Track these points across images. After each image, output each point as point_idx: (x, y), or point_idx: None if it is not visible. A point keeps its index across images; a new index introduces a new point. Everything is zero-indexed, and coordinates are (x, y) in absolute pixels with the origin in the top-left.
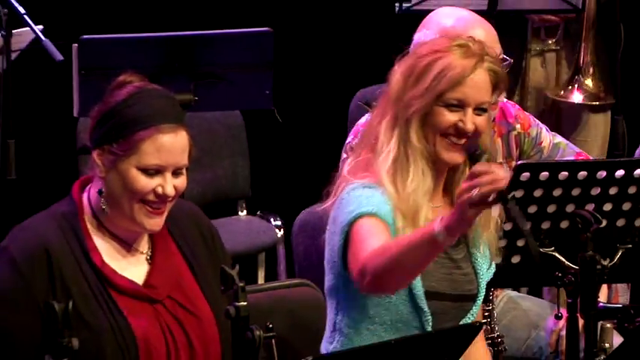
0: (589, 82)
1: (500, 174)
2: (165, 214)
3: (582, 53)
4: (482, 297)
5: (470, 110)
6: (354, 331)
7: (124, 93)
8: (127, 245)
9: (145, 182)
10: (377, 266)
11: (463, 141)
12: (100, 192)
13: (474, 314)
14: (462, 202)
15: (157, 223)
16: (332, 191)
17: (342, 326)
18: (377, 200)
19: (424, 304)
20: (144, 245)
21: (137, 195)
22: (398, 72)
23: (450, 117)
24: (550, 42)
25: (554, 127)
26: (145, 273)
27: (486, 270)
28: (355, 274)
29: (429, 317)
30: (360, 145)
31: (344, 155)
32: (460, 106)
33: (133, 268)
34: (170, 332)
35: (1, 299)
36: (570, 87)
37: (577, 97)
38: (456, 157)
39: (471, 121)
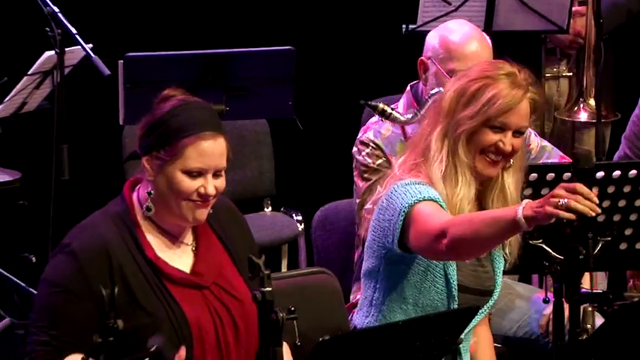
0: (592, 102)
1: (593, 200)
2: (210, 207)
3: (585, 77)
4: (498, 292)
5: (510, 133)
6: (388, 308)
7: (169, 105)
8: (174, 238)
9: (189, 184)
10: (458, 231)
11: (500, 158)
12: (149, 193)
13: (489, 307)
14: (552, 203)
15: (202, 214)
16: (379, 185)
17: (378, 303)
18: (433, 193)
19: (456, 295)
20: (189, 238)
21: (182, 195)
22: (451, 90)
23: (492, 137)
24: (563, 67)
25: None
26: (192, 263)
27: (502, 268)
28: (429, 238)
29: (457, 307)
30: (410, 149)
31: (355, 149)
32: (502, 128)
33: (181, 259)
34: (217, 315)
35: (65, 291)
36: (576, 108)
37: (583, 116)
38: (492, 172)
39: (509, 142)
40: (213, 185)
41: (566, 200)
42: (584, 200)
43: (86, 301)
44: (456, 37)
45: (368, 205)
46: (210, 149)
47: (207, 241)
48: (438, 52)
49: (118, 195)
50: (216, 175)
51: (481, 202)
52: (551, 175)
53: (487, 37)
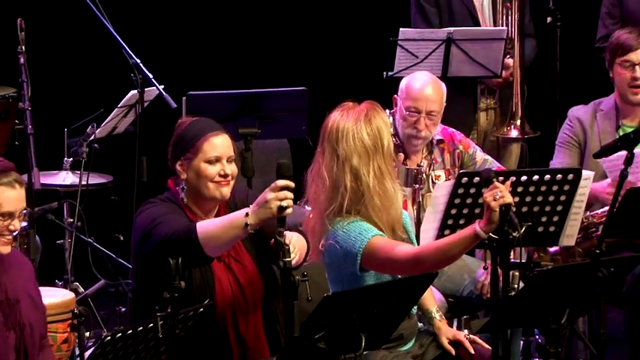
0: (519, 122)
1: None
2: (231, 186)
3: (514, 105)
4: None
5: None
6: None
7: (184, 126)
8: (202, 218)
9: (211, 169)
10: (432, 258)
11: None
12: (182, 188)
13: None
14: (490, 211)
15: (226, 191)
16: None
17: None
18: (371, 229)
19: None
20: (212, 217)
21: (209, 178)
22: None
23: None
24: (491, 101)
25: (496, 157)
26: None
27: None
28: (404, 263)
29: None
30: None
31: None
32: None
33: None
34: (232, 274)
35: (161, 213)
36: (507, 128)
37: (514, 134)
38: None
39: None
40: (229, 168)
41: (499, 194)
42: (500, 193)
43: (180, 216)
44: (416, 84)
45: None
46: (220, 142)
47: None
48: (402, 92)
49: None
50: (229, 161)
51: None
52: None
53: (442, 85)
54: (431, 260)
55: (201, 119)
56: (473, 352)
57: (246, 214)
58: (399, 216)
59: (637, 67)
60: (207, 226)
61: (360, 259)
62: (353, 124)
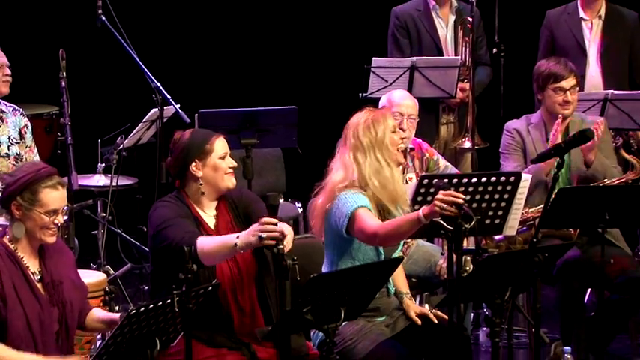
0: (470, 135)
1: (459, 196)
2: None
3: (468, 120)
4: (401, 246)
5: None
6: (343, 263)
7: (185, 138)
8: (205, 212)
9: (224, 163)
10: (386, 233)
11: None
12: (200, 184)
13: (400, 250)
14: (438, 205)
15: (234, 181)
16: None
17: (338, 264)
18: (364, 201)
19: (382, 250)
20: (212, 211)
21: (223, 171)
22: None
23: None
24: (451, 117)
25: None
26: (214, 223)
27: None
28: (367, 235)
29: (383, 256)
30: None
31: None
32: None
33: (209, 221)
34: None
35: (171, 216)
36: (463, 139)
37: (467, 145)
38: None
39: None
40: (232, 162)
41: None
42: (450, 198)
43: (187, 218)
44: (398, 95)
45: (320, 200)
46: (223, 142)
47: (221, 212)
48: (386, 103)
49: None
50: (230, 156)
51: None
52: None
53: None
54: (387, 233)
55: (197, 129)
56: (436, 321)
57: (237, 237)
58: (399, 193)
59: (568, 92)
60: (204, 243)
61: (346, 221)
62: (361, 123)
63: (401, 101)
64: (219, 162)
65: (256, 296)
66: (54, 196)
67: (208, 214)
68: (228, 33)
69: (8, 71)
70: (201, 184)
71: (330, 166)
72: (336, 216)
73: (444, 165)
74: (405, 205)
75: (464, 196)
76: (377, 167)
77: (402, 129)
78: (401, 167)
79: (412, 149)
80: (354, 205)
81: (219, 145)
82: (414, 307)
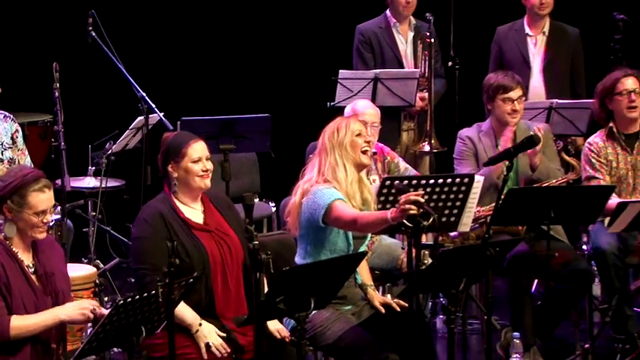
0: (428, 140)
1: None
2: (209, 178)
3: (427, 127)
4: (369, 239)
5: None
6: (317, 255)
7: (169, 139)
8: (190, 207)
9: (197, 167)
10: (363, 221)
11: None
12: (175, 184)
13: (366, 245)
14: (402, 208)
15: (208, 182)
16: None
17: (312, 254)
18: (338, 194)
19: (352, 242)
20: (199, 207)
21: (195, 173)
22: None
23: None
24: (411, 124)
25: (414, 166)
26: (202, 218)
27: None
28: (346, 221)
29: (352, 248)
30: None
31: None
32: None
33: (196, 217)
34: (219, 246)
35: (148, 239)
36: (422, 144)
37: (427, 148)
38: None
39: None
40: (208, 165)
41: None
42: (413, 198)
43: (157, 242)
44: (361, 105)
45: (294, 198)
46: (200, 146)
47: (208, 209)
48: (351, 112)
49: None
50: (207, 159)
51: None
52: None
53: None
54: (364, 222)
55: (182, 132)
56: (399, 309)
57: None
58: (350, 195)
59: (515, 102)
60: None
61: (323, 212)
62: (330, 127)
63: (364, 110)
64: (192, 165)
65: (242, 280)
66: (41, 199)
67: (196, 209)
68: (209, 48)
69: None
70: (175, 184)
71: (304, 169)
72: (312, 208)
73: (404, 167)
74: (357, 205)
75: (422, 195)
76: (334, 167)
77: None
78: (365, 170)
79: (375, 153)
80: (331, 197)
81: (194, 149)
82: (377, 297)
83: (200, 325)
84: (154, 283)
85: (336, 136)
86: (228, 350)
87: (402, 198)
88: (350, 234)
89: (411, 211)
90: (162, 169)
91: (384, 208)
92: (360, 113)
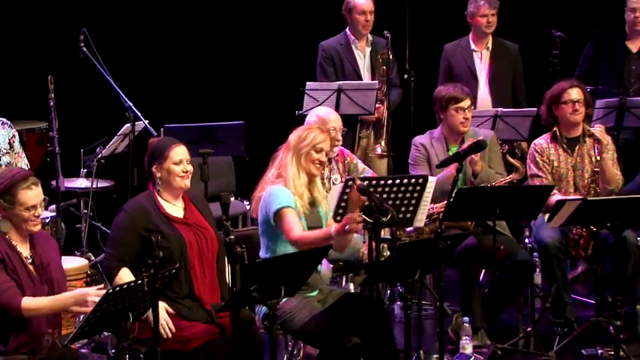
0: (384, 144)
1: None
2: (189, 179)
3: (384, 133)
4: None
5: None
6: (276, 250)
7: (154, 143)
8: (172, 204)
9: (178, 168)
10: (304, 243)
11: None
12: (158, 183)
13: None
14: (348, 228)
15: (188, 183)
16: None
17: (273, 249)
18: (289, 198)
19: None
20: (180, 204)
21: (177, 174)
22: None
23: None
24: (369, 131)
25: (371, 168)
26: (182, 214)
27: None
28: (288, 238)
29: None
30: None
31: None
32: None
33: (177, 213)
34: (197, 237)
35: (122, 229)
36: (376, 146)
37: (379, 151)
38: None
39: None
40: (188, 167)
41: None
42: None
43: (133, 235)
44: (323, 111)
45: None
46: (181, 150)
47: (189, 207)
48: (317, 121)
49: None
50: (187, 162)
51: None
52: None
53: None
54: (304, 244)
55: (165, 137)
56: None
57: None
58: (300, 192)
59: (466, 110)
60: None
61: (272, 215)
62: (299, 132)
63: (328, 117)
64: (173, 167)
65: (217, 270)
66: (30, 195)
67: (176, 206)
68: (190, 62)
69: None
70: (159, 183)
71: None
72: (265, 206)
73: (362, 167)
74: (303, 202)
75: (360, 216)
76: (287, 165)
77: (337, 139)
78: (320, 175)
79: (336, 154)
80: (281, 203)
81: (176, 152)
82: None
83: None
84: (111, 269)
85: (299, 141)
86: (173, 329)
87: (346, 219)
88: (305, 228)
89: (353, 230)
90: (148, 170)
91: (347, 206)
92: (325, 120)
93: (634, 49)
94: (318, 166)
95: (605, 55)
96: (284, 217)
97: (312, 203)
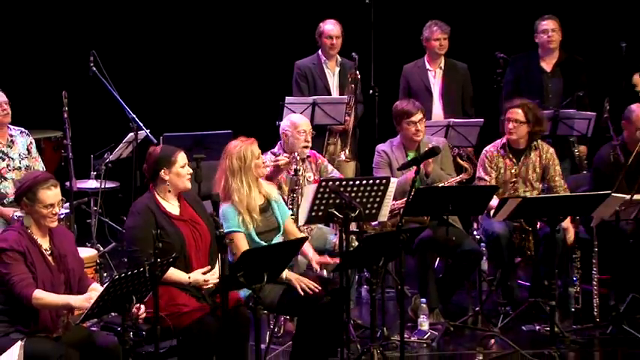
0: (348, 152)
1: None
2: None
3: (349, 142)
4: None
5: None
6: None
7: (158, 150)
8: (170, 203)
9: (184, 171)
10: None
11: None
12: (167, 184)
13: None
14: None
15: (190, 183)
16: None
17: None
18: (235, 222)
19: (259, 240)
20: (176, 202)
21: (184, 176)
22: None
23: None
24: (335, 139)
25: (339, 171)
26: (178, 211)
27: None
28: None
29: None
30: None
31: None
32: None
33: (174, 211)
34: (192, 232)
35: (138, 228)
36: (340, 153)
37: (342, 157)
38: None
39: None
40: (191, 170)
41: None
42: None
43: (147, 232)
44: (297, 118)
45: None
46: (183, 155)
47: (184, 205)
48: (290, 126)
49: (147, 190)
50: (188, 165)
51: None
52: (331, 183)
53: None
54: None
55: (165, 146)
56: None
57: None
58: (252, 206)
59: (417, 123)
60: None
61: (226, 232)
62: (235, 151)
63: (301, 121)
64: (181, 170)
65: (209, 259)
66: (49, 195)
67: (173, 204)
68: (186, 80)
69: (5, 106)
70: (168, 185)
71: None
72: (223, 221)
73: (330, 169)
74: (257, 215)
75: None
76: (238, 189)
77: (307, 140)
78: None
79: (309, 156)
80: (230, 227)
81: (181, 158)
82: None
83: (189, 277)
84: (142, 261)
85: (241, 162)
86: (215, 280)
87: (317, 263)
88: (255, 237)
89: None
90: (152, 174)
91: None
92: (296, 124)
93: (548, 69)
94: (260, 169)
95: (524, 77)
96: (235, 241)
97: (265, 208)
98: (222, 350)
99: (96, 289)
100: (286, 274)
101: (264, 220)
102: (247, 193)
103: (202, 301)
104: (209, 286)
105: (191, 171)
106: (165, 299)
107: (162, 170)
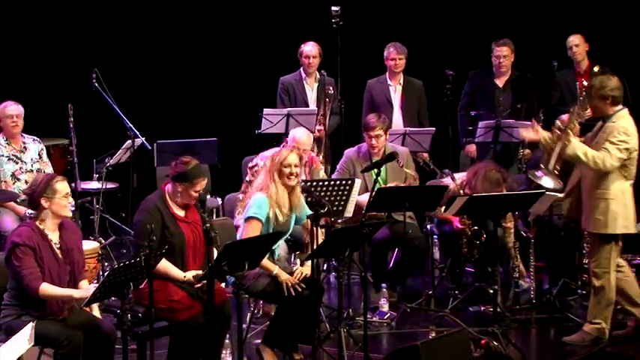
0: (321, 157)
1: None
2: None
3: (322, 149)
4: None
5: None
6: None
7: (190, 165)
8: (178, 206)
9: (195, 193)
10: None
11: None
12: (178, 193)
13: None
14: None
15: (196, 198)
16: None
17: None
18: (263, 211)
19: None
20: (183, 206)
21: (193, 197)
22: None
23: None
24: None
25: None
26: (184, 214)
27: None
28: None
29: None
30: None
31: (247, 171)
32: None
33: (181, 212)
34: (193, 233)
35: (144, 222)
36: (321, 158)
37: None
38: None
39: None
40: (202, 186)
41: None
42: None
43: (155, 227)
44: (298, 133)
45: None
46: (202, 184)
47: (190, 207)
48: (291, 139)
49: (156, 189)
50: (201, 187)
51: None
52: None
53: (311, 135)
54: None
55: (197, 165)
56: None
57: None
58: (280, 203)
59: (373, 138)
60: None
61: (245, 217)
62: (274, 155)
63: (300, 139)
64: (193, 192)
65: (205, 255)
66: (63, 185)
67: (181, 208)
68: (176, 92)
69: (15, 119)
70: (177, 193)
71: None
72: (246, 207)
73: (322, 175)
74: (285, 211)
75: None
76: (268, 183)
77: (302, 155)
78: (294, 183)
79: (306, 161)
80: (254, 212)
81: (199, 186)
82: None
83: (184, 277)
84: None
85: (272, 162)
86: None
87: (291, 280)
88: (271, 228)
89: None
90: (172, 179)
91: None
92: (298, 141)
93: (500, 84)
94: (291, 177)
95: (480, 90)
96: (247, 225)
97: (292, 209)
98: (209, 343)
99: (83, 287)
100: (277, 271)
101: (285, 219)
102: (274, 189)
103: (195, 299)
104: (199, 285)
105: (201, 187)
106: (163, 295)
107: (181, 184)
